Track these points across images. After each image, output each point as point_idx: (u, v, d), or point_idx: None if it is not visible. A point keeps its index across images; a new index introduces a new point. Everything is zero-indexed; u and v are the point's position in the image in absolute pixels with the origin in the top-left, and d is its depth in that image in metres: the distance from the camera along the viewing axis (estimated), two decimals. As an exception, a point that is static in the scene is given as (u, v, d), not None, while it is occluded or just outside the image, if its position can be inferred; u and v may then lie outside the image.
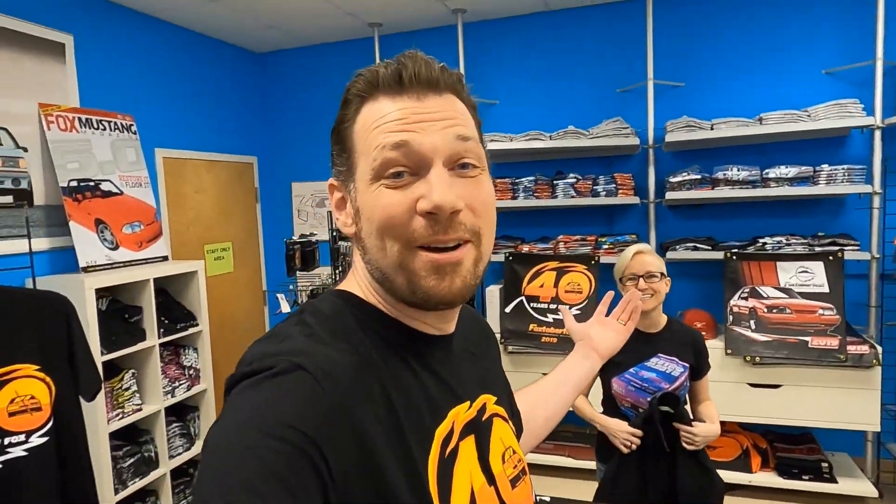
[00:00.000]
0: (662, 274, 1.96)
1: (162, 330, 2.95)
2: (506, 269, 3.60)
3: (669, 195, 3.30)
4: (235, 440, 0.49)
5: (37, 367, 1.46)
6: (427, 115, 0.62)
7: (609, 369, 2.01)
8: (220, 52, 4.12)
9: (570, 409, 2.18)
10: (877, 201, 3.10)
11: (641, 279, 1.93)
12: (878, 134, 3.07)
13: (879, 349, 2.94)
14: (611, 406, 2.04)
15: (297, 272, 2.43)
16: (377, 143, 0.61)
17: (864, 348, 2.94)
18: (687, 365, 1.97)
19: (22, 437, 1.44)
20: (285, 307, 2.36)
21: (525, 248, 3.66)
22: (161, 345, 2.95)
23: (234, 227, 4.19)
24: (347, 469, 0.52)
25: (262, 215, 4.51)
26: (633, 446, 1.87)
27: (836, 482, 3.07)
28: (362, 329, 0.63)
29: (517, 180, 3.63)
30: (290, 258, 2.30)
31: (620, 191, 3.43)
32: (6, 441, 1.44)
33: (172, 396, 3.04)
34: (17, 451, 1.41)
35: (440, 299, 0.62)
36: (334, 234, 2.31)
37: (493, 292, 3.61)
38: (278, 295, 2.35)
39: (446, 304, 0.63)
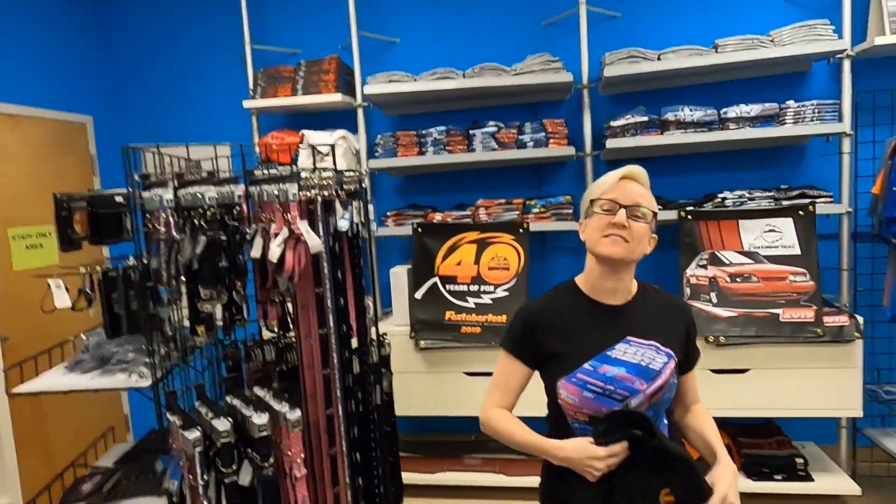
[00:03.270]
0: (654, 214, 1.31)
1: None
2: (414, 245, 2.86)
3: (611, 143, 2.67)
4: None
5: None
6: None
7: (552, 367, 1.32)
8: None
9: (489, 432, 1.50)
10: (847, 145, 2.62)
11: (624, 210, 1.26)
12: (846, 65, 2.59)
13: (860, 319, 2.45)
14: (557, 423, 1.35)
15: (91, 244, 1.58)
16: None
17: (843, 319, 2.45)
18: (671, 352, 1.32)
19: None
20: (61, 301, 1.47)
21: (437, 217, 2.94)
22: None
23: (57, 205, 3.19)
24: None
25: (104, 189, 3.51)
26: (607, 470, 1.20)
27: (812, 480, 2.59)
28: None
29: (424, 132, 2.90)
30: (63, 222, 1.43)
31: (552, 139, 2.77)
32: None
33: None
34: None
35: None
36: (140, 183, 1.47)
37: (398, 274, 2.86)
38: (49, 280, 1.46)
39: None
